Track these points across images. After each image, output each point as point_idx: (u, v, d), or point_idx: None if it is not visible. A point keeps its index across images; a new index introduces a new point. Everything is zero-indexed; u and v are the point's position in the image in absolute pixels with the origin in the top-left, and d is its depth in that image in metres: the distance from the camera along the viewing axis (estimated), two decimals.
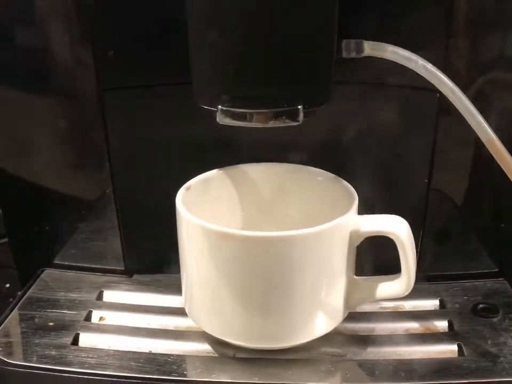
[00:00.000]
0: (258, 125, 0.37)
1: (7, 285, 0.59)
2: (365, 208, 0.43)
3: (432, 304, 0.48)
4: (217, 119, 0.37)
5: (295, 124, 0.37)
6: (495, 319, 0.46)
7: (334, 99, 0.40)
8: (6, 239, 0.53)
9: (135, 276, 0.52)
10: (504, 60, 0.44)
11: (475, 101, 0.39)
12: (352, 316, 0.45)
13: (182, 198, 0.43)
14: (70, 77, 0.46)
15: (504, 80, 0.45)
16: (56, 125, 0.48)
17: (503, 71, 0.44)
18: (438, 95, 0.43)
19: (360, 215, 0.42)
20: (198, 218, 0.40)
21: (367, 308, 0.47)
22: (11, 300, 0.50)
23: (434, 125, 0.45)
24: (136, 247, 0.51)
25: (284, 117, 0.37)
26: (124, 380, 0.40)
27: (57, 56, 0.45)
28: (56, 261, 0.53)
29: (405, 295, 0.42)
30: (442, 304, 0.48)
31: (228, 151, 0.48)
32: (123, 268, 0.52)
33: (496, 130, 0.39)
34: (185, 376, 0.41)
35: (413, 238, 0.40)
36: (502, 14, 0.43)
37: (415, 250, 0.41)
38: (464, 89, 0.40)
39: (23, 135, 0.49)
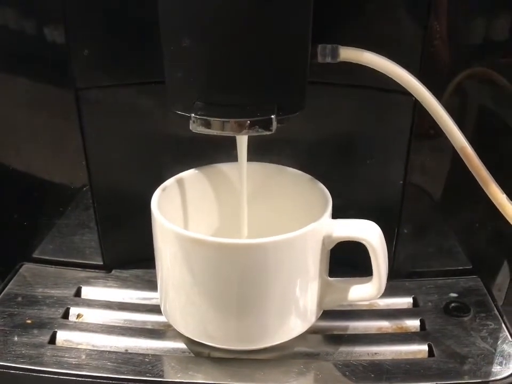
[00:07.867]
0: (231, 134, 0.37)
1: None
2: (340, 209, 0.43)
3: (405, 302, 0.49)
4: (190, 127, 0.37)
5: (268, 133, 0.37)
6: (465, 319, 0.47)
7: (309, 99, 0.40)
8: None
9: (113, 271, 0.53)
10: (480, 62, 0.44)
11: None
12: (326, 313, 0.45)
13: (157, 200, 0.43)
14: (45, 75, 0.45)
15: (481, 81, 0.45)
16: (33, 120, 0.47)
17: (480, 72, 0.44)
18: (413, 98, 0.43)
19: (333, 219, 0.42)
20: (172, 224, 0.40)
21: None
22: None
23: (410, 127, 0.45)
24: (114, 242, 0.52)
25: (257, 126, 0.36)
26: (98, 381, 0.41)
27: (32, 53, 0.45)
28: (35, 255, 0.53)
29: (376, 298, 0.42)
30: (415, 302, 0.49)
31: (206, 149, 0.48)
32: (101, 263, 0.52)
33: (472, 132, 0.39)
34: (160, 376, 0.41)
35: (385, 244, 0.41)
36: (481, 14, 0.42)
37: (386, 256, 0.41)
38: (440, 90, 0.41)
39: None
